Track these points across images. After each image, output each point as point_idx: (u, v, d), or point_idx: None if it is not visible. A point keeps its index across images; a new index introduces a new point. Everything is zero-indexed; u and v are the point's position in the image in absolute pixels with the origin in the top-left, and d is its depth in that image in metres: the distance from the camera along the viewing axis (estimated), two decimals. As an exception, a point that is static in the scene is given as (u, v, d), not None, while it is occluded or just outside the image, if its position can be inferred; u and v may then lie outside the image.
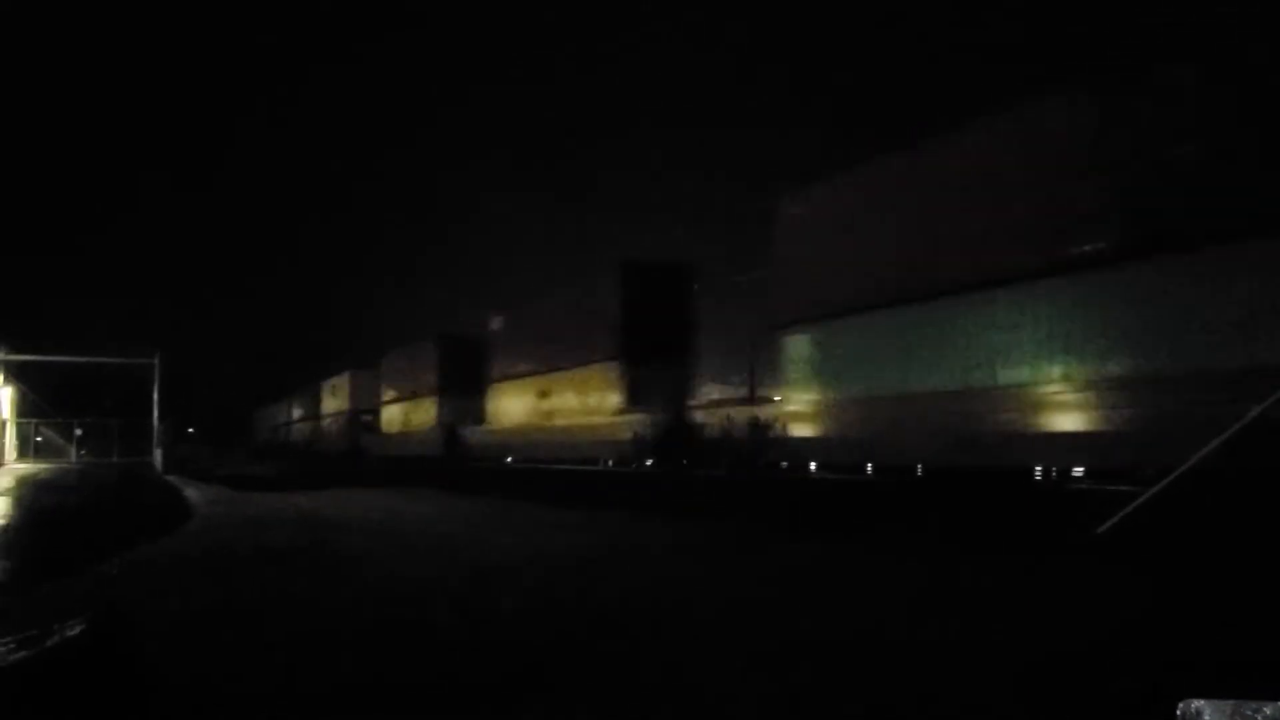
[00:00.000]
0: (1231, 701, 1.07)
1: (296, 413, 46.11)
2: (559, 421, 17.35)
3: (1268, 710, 1.05)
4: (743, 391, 13.49)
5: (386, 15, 70.49)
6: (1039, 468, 8.96)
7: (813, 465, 11.29)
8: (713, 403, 13.75)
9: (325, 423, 37.61)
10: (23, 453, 34.55)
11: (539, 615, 4.08)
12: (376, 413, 31.77)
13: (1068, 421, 7.93)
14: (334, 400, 36.31)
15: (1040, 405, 8.19)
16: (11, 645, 2.35)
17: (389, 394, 29.61)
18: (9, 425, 33.29)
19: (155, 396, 32.00)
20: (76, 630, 2.46)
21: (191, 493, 13.99)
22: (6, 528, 9.01)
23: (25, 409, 34.75)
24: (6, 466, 28.82)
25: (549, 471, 16.52)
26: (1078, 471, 9.23)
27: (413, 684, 2.96)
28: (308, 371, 41.66)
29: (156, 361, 32.43)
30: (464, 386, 23.11)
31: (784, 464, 11.57)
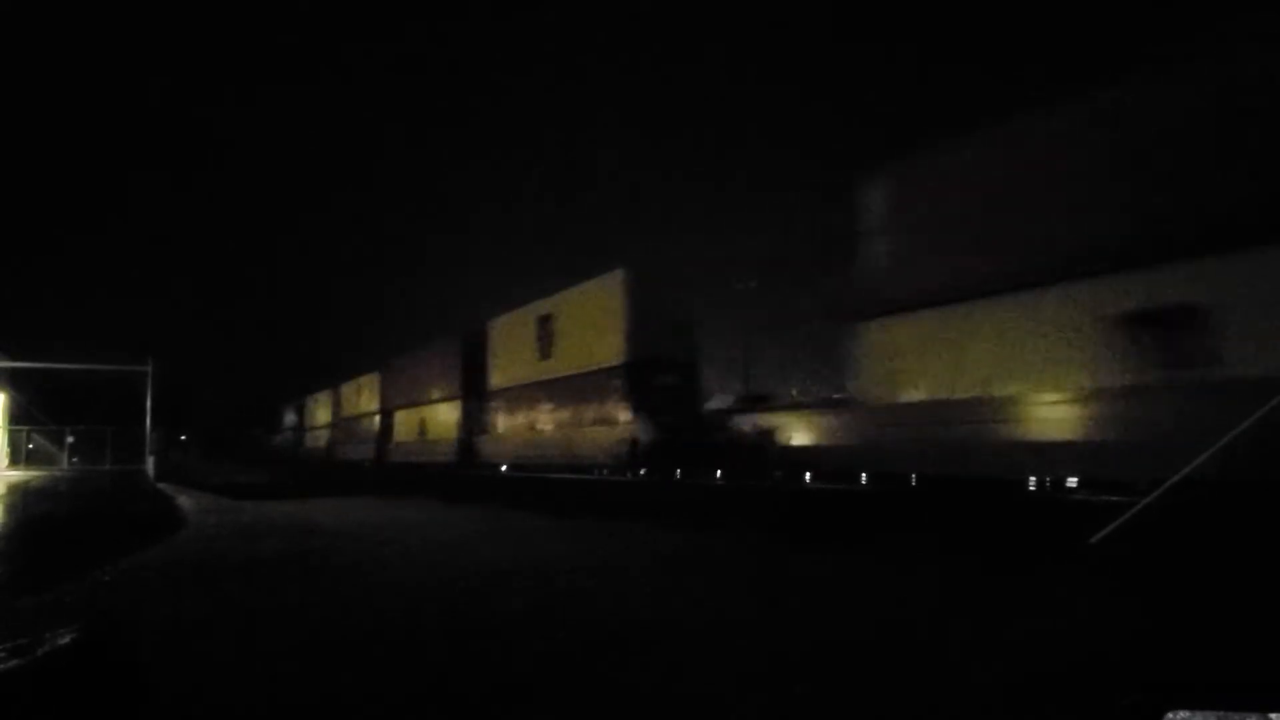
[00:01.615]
0: (1216, 713, 1.08)
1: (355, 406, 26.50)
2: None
3: (1238, 717, 1.06)
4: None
5: (380, 22, 70.66)
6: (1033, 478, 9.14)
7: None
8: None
9: (496, 405, 17.67)
10: (14, 459, 34.38)
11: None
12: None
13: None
14: (544, 351, 15.35)
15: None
16: (2, 654, 2.34)
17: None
18: (0, 432, 33.17)
19: (148, 404, 31.91)
20: (68, 639, 2.45)
21: (184, 501, 13.93)
22: (-3, 535, 8.95)
23: (17, 416, 34.61)
24: (-3, 473, 28.67)
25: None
26: (1071, 482, 9.36)
27: (404, 694, 2.96)
28: (304, 380, 39.35)
29: (149, 368, 32.35)
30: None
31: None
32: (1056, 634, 3.76)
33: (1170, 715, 1.10)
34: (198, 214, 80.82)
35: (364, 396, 27.47)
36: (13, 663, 2.27)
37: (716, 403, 13.91)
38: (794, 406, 10.93)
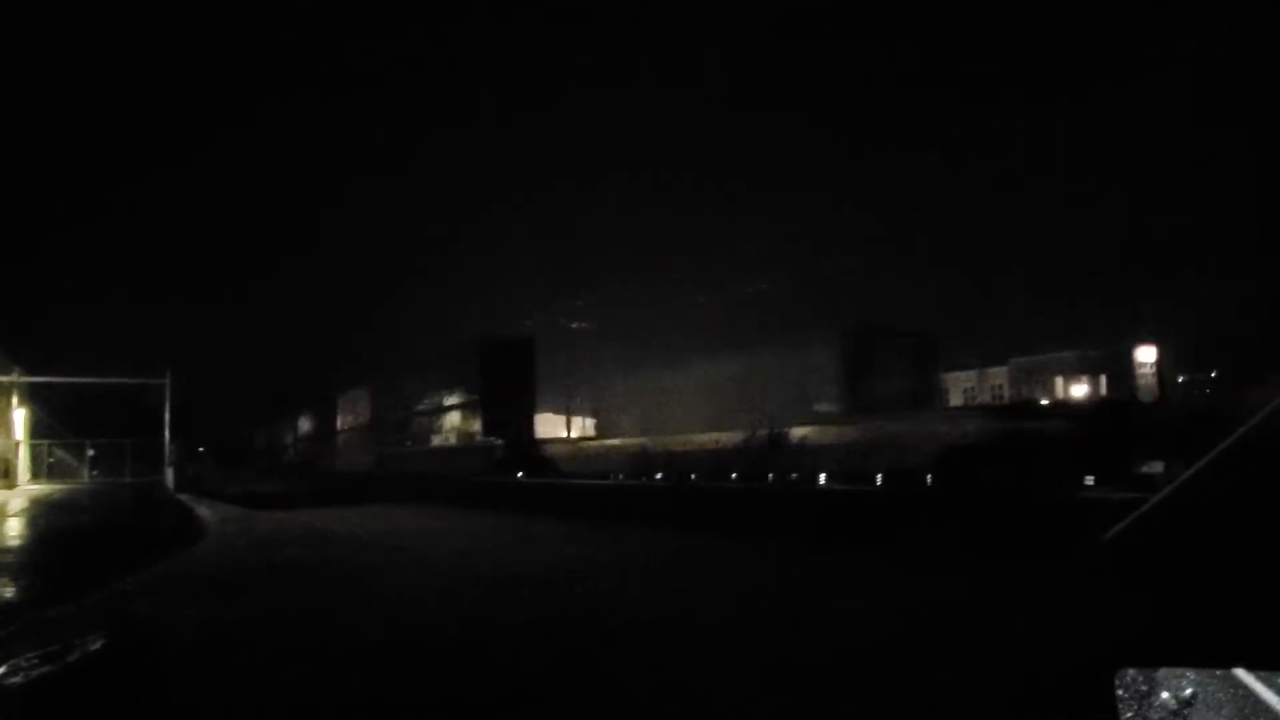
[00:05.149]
0: (1162, 669, 1.18)
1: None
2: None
3: (1190, 675, 1.16)
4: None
5: (380, 28, 70.68)
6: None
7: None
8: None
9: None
10: (36, 473, 34.77)
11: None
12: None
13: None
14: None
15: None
16: (35, 660, 2.44)
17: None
18: (23, 446, 33.59)
19: (166, 416, 32.20)
20: (96, 645, 2.55)
21: (203, 511, 14.09)
22: (24, 547, 9.13)
23: (39, 430, 35.02)
24: (21, 487, 29.06)
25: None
26: (1089, 480, 9.47)
27: (416, 696, 3.04)
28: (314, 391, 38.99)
29: (167, 381, 32.64)
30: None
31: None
32: (1058, 634, 3.79)
33: (1120, 672, 1.19)
34: (214, 224, 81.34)
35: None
36: (45, 668, 2.37)
37: None
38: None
